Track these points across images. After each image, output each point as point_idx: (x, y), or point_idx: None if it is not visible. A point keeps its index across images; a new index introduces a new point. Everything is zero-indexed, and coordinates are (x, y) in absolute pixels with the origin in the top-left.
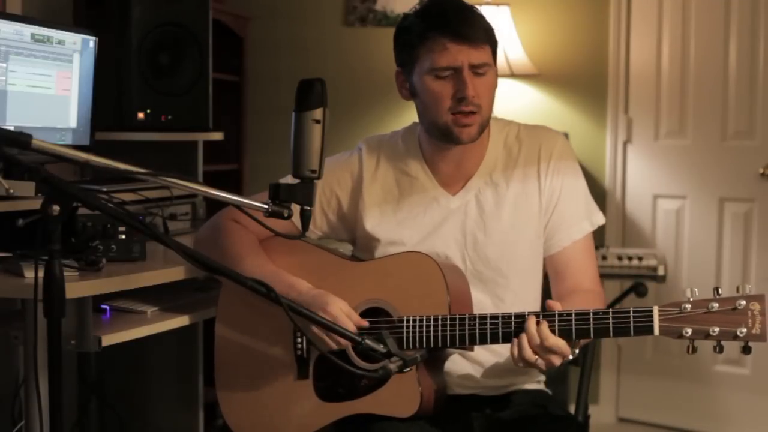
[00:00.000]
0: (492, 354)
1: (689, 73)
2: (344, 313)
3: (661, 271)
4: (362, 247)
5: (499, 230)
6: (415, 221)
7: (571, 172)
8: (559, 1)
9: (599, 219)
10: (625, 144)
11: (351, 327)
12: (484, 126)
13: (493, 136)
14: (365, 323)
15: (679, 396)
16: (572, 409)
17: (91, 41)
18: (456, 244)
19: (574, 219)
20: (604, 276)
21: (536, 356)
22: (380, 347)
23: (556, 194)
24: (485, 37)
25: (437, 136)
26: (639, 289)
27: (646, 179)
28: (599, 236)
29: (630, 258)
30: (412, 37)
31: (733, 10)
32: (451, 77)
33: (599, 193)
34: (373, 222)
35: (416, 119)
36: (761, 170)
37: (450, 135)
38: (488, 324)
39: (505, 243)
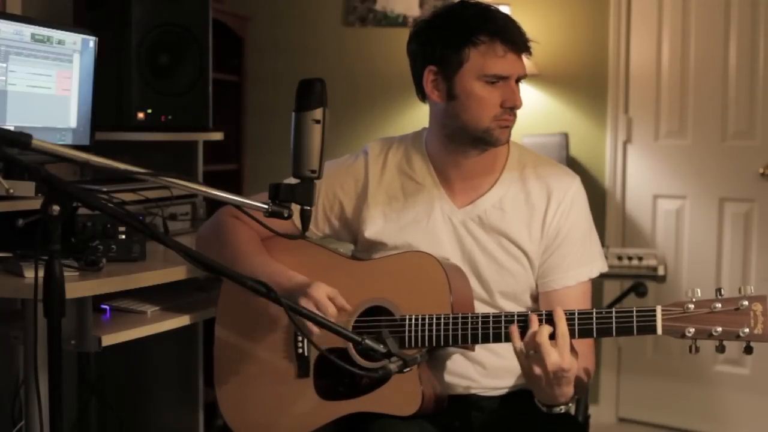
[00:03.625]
0: (493, 354)
1: (689, 73)
2: (327, 296)
3: (661, 271)
4: (364, 249)
5: (496, 255)
6: (418, 227)
7: (578, 220)
8: (559, 1)
9: (597, 269)
10: (625, 144)
11: (332, 310)
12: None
13: (511, 160)
14: (348, 308)
15: (679, 396)
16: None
17: (91, 41)
18: (455, 256)
19: (570, 266)
20: (604, 276)
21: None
22: (380, 347)
23: (559, 238)
24: (530, 49)
25: (463, 141)
26: (639, 289)
27: (646, 179)
28: (600, 236)
29: (630, 258)
30: (458, 37)
31: (733, 10)
32: (499, 85)
33: (599, 193)
34: (377, 227)
35: (415, 118)
36: (761, 170)
37: (486, 138)
38: (491, 323)
39: (501, 268)
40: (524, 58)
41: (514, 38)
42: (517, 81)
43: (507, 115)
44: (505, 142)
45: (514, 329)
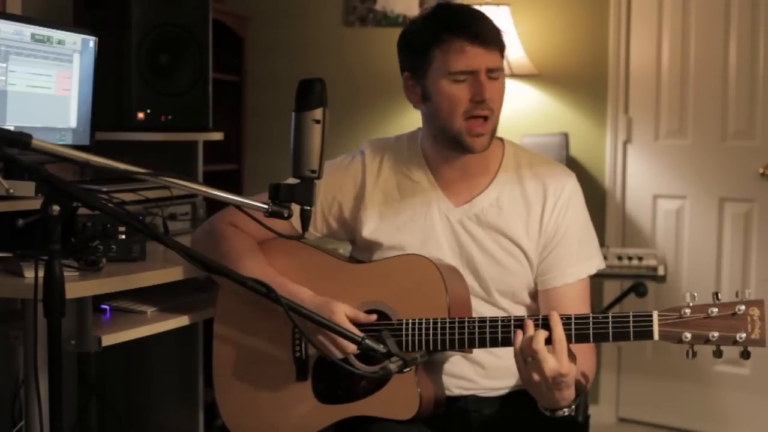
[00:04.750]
0: (492, 355)
1: (689, 73)
2: (348, 319)
3: (661, 271)
4: (362, 249)
5: (494, 253)
6: (415, 226)
7: (575, 217)
8: (559, 1)
9: (595, 266)
10: (625, 144)
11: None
12: (494, 133)
13: (507, 158)
14: (372, 318)
15: (679, 396)
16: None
17: (91, 41)
18: (452, 254)
19: (569, 262)
20: (604, 276)
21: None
22: (380, 347)
23: (558, 236)
24: (498, 40)
25: (446, 144)
26: (639, 289)
27: (646, 179)
28: (600, 236)
29: (630, 258)
30: (425, 39)
31: (733, 10)
32: (468, 81)
33: (599, 193)
34: (374, 226)
35: (415, 119)
36: (761, 170)
37: (461, 144)
38: (488, 328)
39: (498, 266)
40: (508, 54)
41: (476, 31)
42: (493, 76)
43: (478, 110)
44: (482, 149)
45: (520, 333)
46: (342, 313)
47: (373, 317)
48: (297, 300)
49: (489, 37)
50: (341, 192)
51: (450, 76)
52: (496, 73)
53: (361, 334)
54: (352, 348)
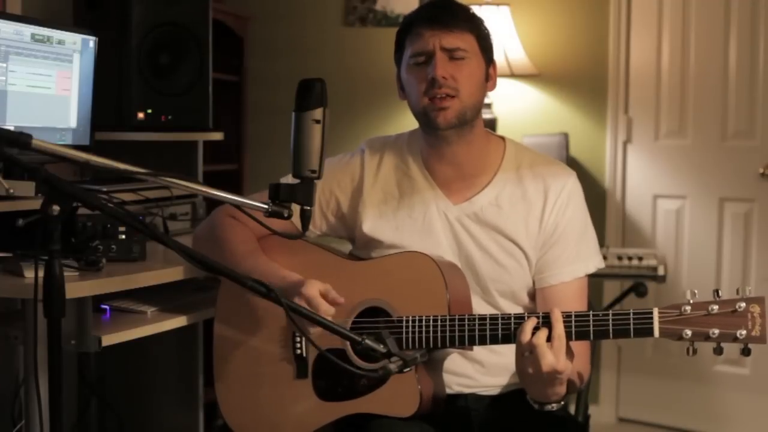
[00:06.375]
0: (492, 352)
1: (689, 73)
2: (320, 292)
3: (661, 271)
4: (362, 247)
5: (493, 252)
6: (414, 224)
7: (575, 216)
8: (559, 2)
9: (593, 265)
10: (625, 144)
11: (325, 307)
12: (465, 115)
13: (508, 158)
14: (341, 300)
15: (679, 396)
16: (572, 409)
17: (91, 41)
18: (451, 252)
19: (566, 260)
20: (604, 276)
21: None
22: (380, 347)
23: (557, 234)
24: (464, 24)
25: (424, 128)
26: (639, 289)
27: (646, 179)
28: (600, 236)
29: (630, 258)
30: (399, 34)
31: (733, 10)
32: (426, 63)
33: (599, 193)
34: (372, 224)
35: (415, 119)
36: (761, 170)
37: (429, 122)
38: (488, 325)
39: (497, 265)
40: (474, 38)
41: (432, 15)
42: (456, 56)
43: (436, 89)
44: (447, 125)
45: (526, 325)
46: (314, 287)
47: (341, 300)
48: (278, 277)
49: (447, 18)
50: (339, 188)
51: (411, 60)
52: (458, 53)
53: (332, 308)
54: (325, 308)
